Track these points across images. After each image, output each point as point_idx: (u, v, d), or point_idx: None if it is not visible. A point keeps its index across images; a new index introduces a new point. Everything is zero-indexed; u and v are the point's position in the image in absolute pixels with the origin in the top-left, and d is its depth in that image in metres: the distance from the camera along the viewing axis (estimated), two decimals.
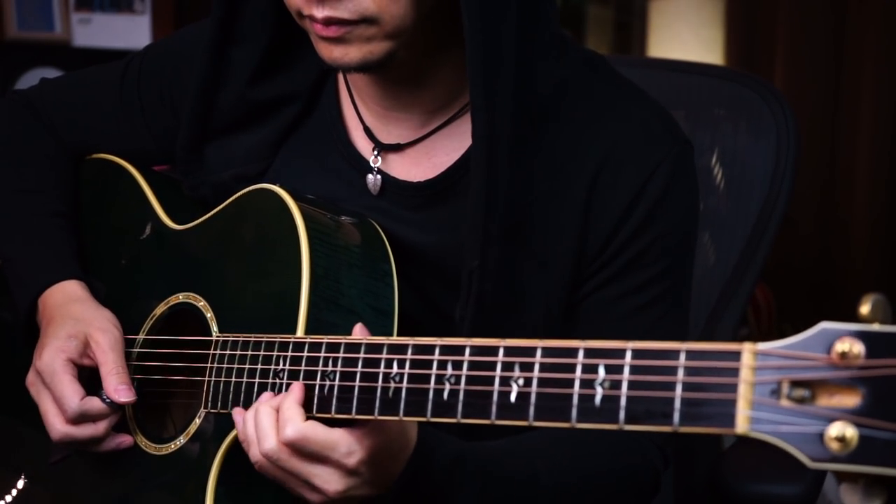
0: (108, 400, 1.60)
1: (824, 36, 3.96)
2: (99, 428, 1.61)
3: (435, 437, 1.43)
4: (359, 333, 1.42)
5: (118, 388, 1.60)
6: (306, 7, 1.47)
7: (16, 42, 3.97)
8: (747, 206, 2.18)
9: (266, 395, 1.43)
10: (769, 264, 2.25)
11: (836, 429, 0.95)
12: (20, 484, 1.78)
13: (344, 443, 1.34)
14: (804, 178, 3.57)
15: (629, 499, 1.62)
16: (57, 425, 1.61)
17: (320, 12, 1.46)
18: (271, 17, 1.65)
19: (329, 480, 1.36)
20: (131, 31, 3.88)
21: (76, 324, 1.65)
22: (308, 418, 1.36)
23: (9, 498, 1.78)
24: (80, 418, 1.60)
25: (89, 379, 1.64)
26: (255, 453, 1.39)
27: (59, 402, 1.61)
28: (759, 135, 2.18)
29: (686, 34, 4.20)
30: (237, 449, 1.48)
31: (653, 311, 1.60)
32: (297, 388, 1.38)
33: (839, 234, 4.02)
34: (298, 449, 1.35)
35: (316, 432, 1.34)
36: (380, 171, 1.66)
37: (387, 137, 1.66)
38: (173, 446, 1.59)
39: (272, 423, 1.37)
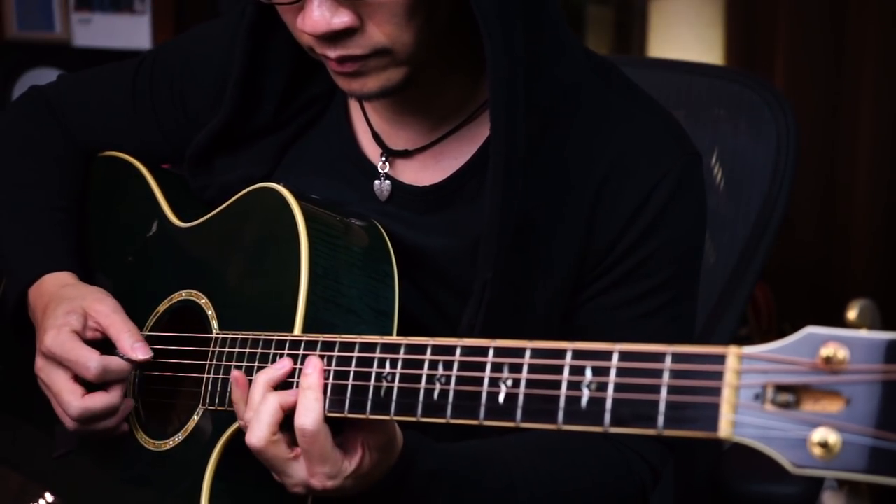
0: (125, 358, 1.59)
1: (824, 36, 3.95)
2: (114, 395, 1.59)
3: (414, 450, 1.44)
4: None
5: (134, 346, 1.59)
6: (319, 47, 1.48)
7: (16, 42, 3.97)
8: (747, 207, 2.19)
9: (263, 379, 1.41)
10: (769, 264, 2.25)
11: (820, 434, 0.95)
12: (22, 479, 1.79)
13: (332, 467, 1.35)
14: (804, 178, 3.57)
15: None
16: (74, 402, 1.58)
17: (333, 52, 1.47)
18: (296, 43, 1.65)
19: (296, 482, 1.38)
20: (131, 31, 3.88)
21: (72, 301, 1.64)
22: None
23: (12, 493, 1.79)
24: (103, 376, 1.57)
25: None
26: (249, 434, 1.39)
27: (77, 365, 1.58)
28: (759, 135, 2.18)
29: (686, 34, 4.19)
30: (234, 446, 1.49)
31: (653, 321, 1.59)
32: (318, 373, 1.36)
33: (839, 234, 4.02)
34: (298, 438, 1.35)
35: (327, 440, 1.34)
36: (388, 177, 1.66)
37: (395, 143, 1.67)
38: (172, 443, 1.59)
39: (272, 414, 1.36)
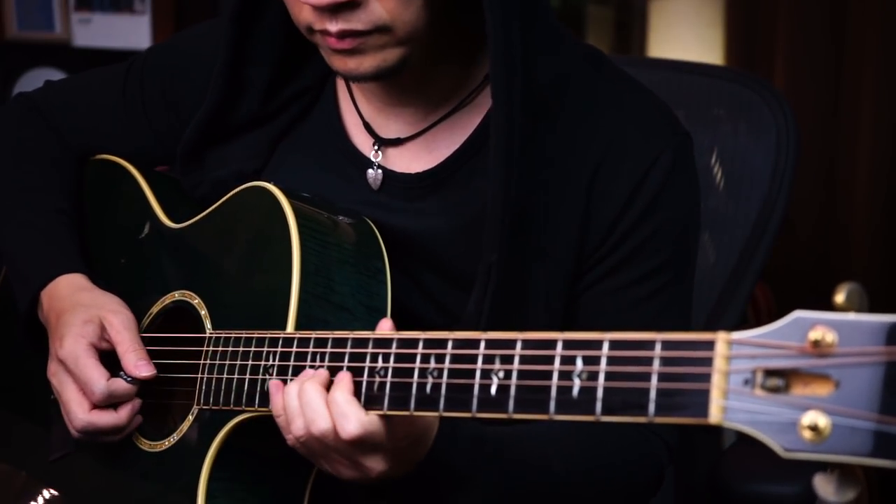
0: (129, 379, 1.60)
1: (824, 36, 3.95)
2: (121, 416, 1.60)
3: (453, 422, 1.42)
4: (386, 328, 1.38)
5: (137, 363, 1.60)
6: (318, 22, 1.48)
7: (16, 42, 3.98)
8: (747, 207, 2.19)
9: (308, 371, 1.39)
10: (769, 264, 2.25)
11: (809, 418, 0.95)
12: (20, 480, 1.79)
13: (400, 430, 1.33)
14: (804, 177, 3.56)
15: (636, 488, 1.63)
16: (80, 414, 1.60)
17: (334, 26, 1.46)
18: (282, 32, 1.65)
19: (378, 463, 1.36)
20: (131, 31, 3.89)
21: (88, 309, 1.65)
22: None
23: (9, 495, 1.79)
24: (107, 400, 1.59)
25: (107, 364, 1.63)
26: (298, 428, 1.36)
27: (85, 385, 1.60)
28: (759, 135, 2.19)
29: (686, 34, 4.19)
30: (230, 444, 1.50)
31: (653, 303, 1.60)
32: (347, 379, 1.34)
33: (839, 234, 4.01)
34: (361, 443, 1.33)
35: (379, 426, 1.32)
36: (380, 166, 1.67)
37: (387, 132, 1.67)
38: (167, 443, 1.59)
39: (323, 403, 1.34)
